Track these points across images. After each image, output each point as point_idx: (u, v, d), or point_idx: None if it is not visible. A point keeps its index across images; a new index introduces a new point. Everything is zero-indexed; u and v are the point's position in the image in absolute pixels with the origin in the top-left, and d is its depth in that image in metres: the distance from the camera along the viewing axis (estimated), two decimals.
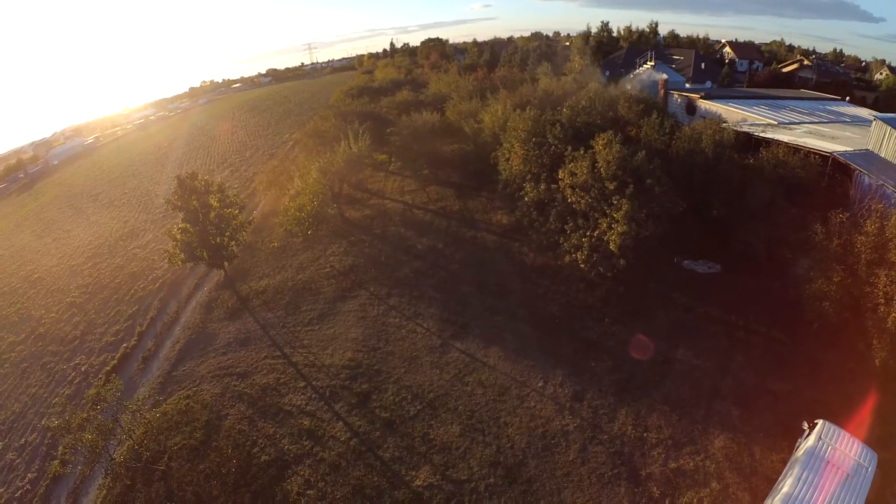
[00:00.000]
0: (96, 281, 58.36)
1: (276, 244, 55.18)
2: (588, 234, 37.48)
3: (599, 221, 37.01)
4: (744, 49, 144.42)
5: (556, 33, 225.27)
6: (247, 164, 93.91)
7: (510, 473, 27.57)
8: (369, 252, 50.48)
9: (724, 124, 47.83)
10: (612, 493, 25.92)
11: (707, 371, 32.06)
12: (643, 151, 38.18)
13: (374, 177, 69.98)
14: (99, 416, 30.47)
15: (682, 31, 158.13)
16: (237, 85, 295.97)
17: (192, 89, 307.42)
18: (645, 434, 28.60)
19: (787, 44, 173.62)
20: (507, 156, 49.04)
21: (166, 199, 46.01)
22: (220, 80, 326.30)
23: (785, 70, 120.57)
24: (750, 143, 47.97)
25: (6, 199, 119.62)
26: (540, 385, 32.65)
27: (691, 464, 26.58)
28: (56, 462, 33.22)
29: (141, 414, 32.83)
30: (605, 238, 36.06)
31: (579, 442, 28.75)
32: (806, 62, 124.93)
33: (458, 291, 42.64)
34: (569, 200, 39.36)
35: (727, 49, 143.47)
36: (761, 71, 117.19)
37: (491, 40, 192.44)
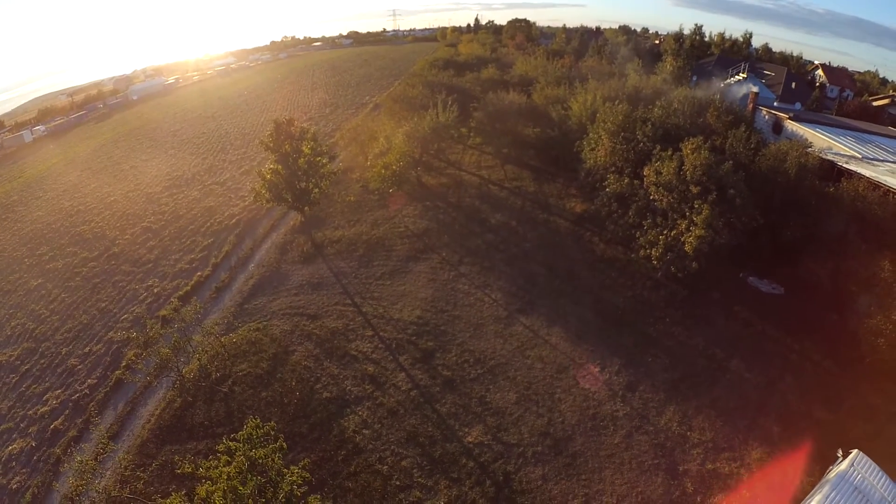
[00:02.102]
0: (173, 210, 60.71)
1: (352, 198, 56.99)
2: (665, 232, 37.96)
3: (678, 222, 37.40)
4: (836, 74, 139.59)
5: (645, 29, 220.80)
6: (326, 120, 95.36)
7: (557, 445, 28.45)
8: (443, 219, 51.55)
9: (810, 149, 47.33)
10: (649, 481, 26.62)
11: (756, 386, 32.26)
12: (730, 162, 38.32)
13: (452, 148, 70.65)
14: (175, 334, 32.41)
15: (776, 46, 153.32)
16: (318, 44, 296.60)
17: (273, 43, 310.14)
18: (688, 433, 29.10)
19: (882, 76, 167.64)
20: (592, 146, 49.53)
21: (261, 139, 47.90)
22: (302, 38, 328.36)
23: (875, 104, 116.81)
24: (832, 171, 47.32)
25: (84, 125, 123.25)
26: (597, 370, 33.26)
27: (727, 469, 27.08)
28: (119, 371, 35.33)
29: (215, 337, 34.77)
30: (682, 239, 36.48)
31: (626, 428, 29.45)
32: None
33: (528, 269, 43.42)
34: (651, 198, 39.85)
35: (819, 72, 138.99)
36: (851, 101, 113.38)
37: (579, 28, 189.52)
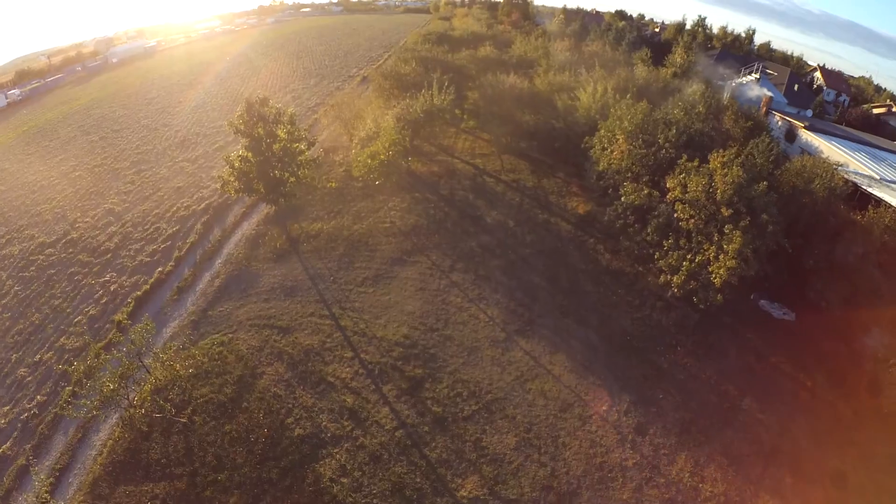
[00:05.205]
0: (138, 189, 55.95)
1: (333, 184, 51.45)
2: (689, 256, 34.12)
3: (704, 247, 33.60)
4: (833, 78, 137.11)
5: (641, 16, 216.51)
6: (310, 92, 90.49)
7: (561, 502, 25.46)
8: (434, 214, 46.77)
9: (838, 167, 43.79)
10: None
11: (769, 428, 30.10)
12: (765, 182, 34.43)
13: (444, 132, 65.38)
14: (124, 358, 27.41)
15: (771, 43, 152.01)
16: (306, 10, 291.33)
17: (261, 7, 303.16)
18: (700, 485, 26.84)
19: (875, 83, 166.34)
20: (604, 144, 45.26)
21: (229, 121, 42.42)
22: (290, 3, 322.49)
23: (875, 112, 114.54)
24: (854, 194, 44.38)
25: (60, 89, 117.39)
26: (604, 409, 30.09)
27: None
28: (62, 402, 30.70)
29: (171, 364, 29.85)
30: (711, 268, 32.73)
31: (636, 481, 26.76)
32: (895, 108, 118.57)
33: (527, 280, 39.46)
34: (675, 215, 35.85)
35: (818, 74, 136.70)
36: (854, 109, 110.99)
37: (579, 10, 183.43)
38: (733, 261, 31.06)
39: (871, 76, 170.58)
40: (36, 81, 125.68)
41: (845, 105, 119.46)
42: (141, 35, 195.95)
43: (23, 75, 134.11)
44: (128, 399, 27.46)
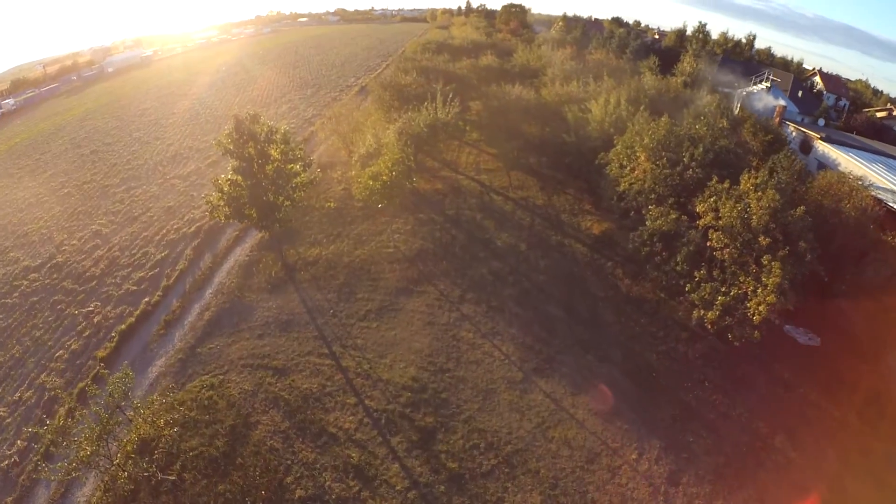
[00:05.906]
0: (127, 209, 53.15)
1: (332, 204, 48.62)
2: (723, 290, 31.40)
3: (740, 278, 30.94)
4: (832, 82, 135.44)
5: (637, 22, 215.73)
6: (307, 102, 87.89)
7: None
8: (440, 237, 43.83)
9: (866, 185, 41.52)
10: None
11: (802, 468, 27.99)
12: (802, 207, 31.95)
13: (447, 146, 62.14)
14: (102, 413, 24.41)
15: (766, 47, 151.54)
16: (303, 19, 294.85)
17: (257, 17, 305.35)
18: None
19: (873, 87, 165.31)
20: (622, 162, 42.67)
21: (217, 140, 38.32)
22: (287, 13, 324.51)
23: (878, 116, 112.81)
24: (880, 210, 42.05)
25: (55, 98, 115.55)
26: (634, 458, 27.46)
27: None
28: (34, 463, 27.87)
29: (154, 420, 27.22)
30: (748, 304, 30.03)
31: None
32: (895, 112, 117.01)
33: (543, 311, 36.69)
34: (708, 244, 33.16)
35: (817, 79, 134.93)
36: (859, 115, 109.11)
37: (578, 18, 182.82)
38: (772, 296, 28.42)
39: (867, 79, 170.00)
40: (30, 91, 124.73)
41: (846, 109, 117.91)
42: (138, 45, 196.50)
43: (18, 84, 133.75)
44: (108, 458, 24.57)
